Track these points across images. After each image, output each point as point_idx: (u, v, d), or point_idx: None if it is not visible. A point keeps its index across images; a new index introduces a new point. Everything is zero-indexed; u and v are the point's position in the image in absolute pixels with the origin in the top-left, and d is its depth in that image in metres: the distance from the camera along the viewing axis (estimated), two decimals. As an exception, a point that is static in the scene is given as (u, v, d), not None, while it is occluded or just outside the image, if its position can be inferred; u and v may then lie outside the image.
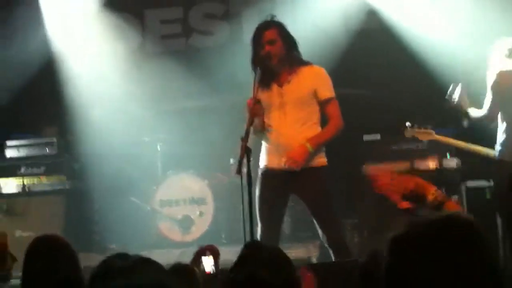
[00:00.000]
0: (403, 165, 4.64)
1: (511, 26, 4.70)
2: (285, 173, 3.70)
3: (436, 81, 5.09)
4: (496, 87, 3.88)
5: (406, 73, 5.55)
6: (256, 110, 3.61)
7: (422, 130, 4.24)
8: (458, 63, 4.86)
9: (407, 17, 5.53)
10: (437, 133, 4.29)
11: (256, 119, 3.65)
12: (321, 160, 3.77)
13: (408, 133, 4.32)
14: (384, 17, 5.68)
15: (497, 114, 3.92)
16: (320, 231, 3.73)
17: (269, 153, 3.80)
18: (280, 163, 3.72)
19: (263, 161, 3.84)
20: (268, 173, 3.77)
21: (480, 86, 4.10)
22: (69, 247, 2.45)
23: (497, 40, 4.03)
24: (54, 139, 5.78)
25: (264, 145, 3.86)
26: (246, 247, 1.92)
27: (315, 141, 3.70)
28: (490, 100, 3.92)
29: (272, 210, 3.75)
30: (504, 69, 3.90)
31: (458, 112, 4.21)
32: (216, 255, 2.61)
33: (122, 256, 1.23)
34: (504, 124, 3.91)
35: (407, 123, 4.32)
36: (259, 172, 3.83)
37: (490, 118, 3.94)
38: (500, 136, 3.91)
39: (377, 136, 4.90)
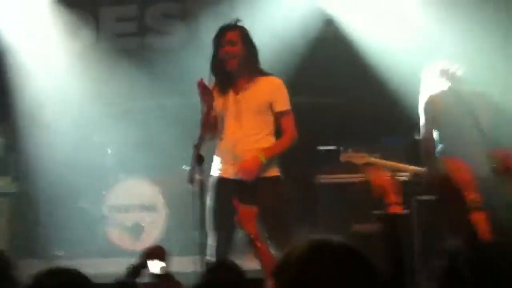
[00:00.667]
0: (357, 177, 4.65)
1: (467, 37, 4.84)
2: (238, 182, 3.67)
3: (391, 90, 5.15)
4: (427, 109, 3.98)
5: (362, 81, 5.59)
6: (206, 95, 3.57)
7: (356, 154, 4.31)
8: (413, 71, 4.93)
9: (363, 25, 5.58)
10: (377, 151, 4.36)
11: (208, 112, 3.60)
12: (274, 170, 3.75)
13: (343, 158, 4.39)
14: (341, 26, 5.72)
15: (431, 135, 4.02)
16: (271, 241, 3.70)
17: (221, 161, 3.76)
18: (232, 172, 3.68)
19: (215, 170, 3.79)
20: (220, 182, 3.73)
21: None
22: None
23: (429, 64, 4.12)
24: (0, 139, 5.58)
25: (216, 153, 3.80)
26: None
27: (268, 152, 3.68)
28: (423, 123, 4.03)
29: (225, 219, 3.69)
30: (434, 92, 4.01)
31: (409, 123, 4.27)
32: (163, 256, 2.56)
33: (53, 274, 1.16)
34: (440, 145, 4.01)
35: (341, 148, 4.39)
36: (211, 181, 3.77)
37: (426, 140, 4.04)
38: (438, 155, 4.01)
39: (333, 147, 4.91)
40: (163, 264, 2.54)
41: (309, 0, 5.79)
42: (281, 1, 5.84)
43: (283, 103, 3.75)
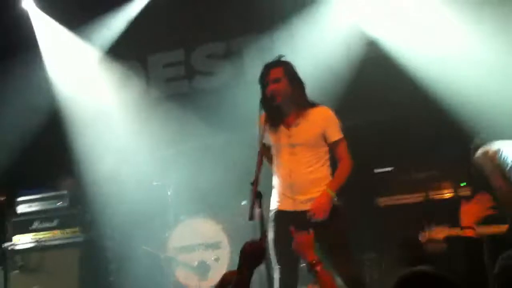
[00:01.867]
0: (418, 196, 4.57)
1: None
2: (297, 214, 3.66)
3: (443, 108, 5.07)
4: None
5: (410, 100, 5.51)
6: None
7: (435, 229, 4.19)
8: (463, 89, 4.85)
9: (408, 41, 5.54)
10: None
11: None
12: (334, 199, 3.73)
13: (423, 238, 4.24)
14: (385, 44, 5.69)
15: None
16: (335, 271, 3.67)
17: (280, 194, 3.77)
18: (291, 205, 3.68)
19: (274, 204, 3.81)
20: (280, 215, 3.74)
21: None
22: None
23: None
24: (65, 192, 5.78)
25: (274, 186, 3.82)
26: None
27: (334, 184, 3.69)
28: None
29: (286, 251, 3.69)
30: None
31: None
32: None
33: None
34: None
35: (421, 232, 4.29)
36: (270, 215, 3.79)
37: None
38: None
39: (389, 168, 4.85)
40: None
41: (350, 23, 5.79)
42: (321, 28, 5.87)
43: (335, 132, 3.77)
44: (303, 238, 2.61)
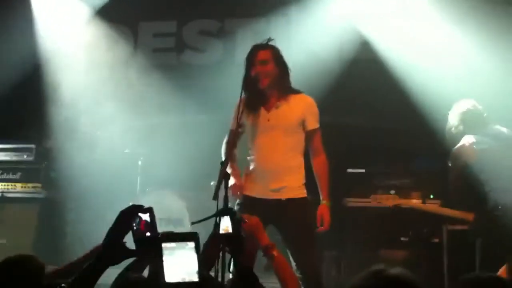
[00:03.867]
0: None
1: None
2: (265, 203, 3.60)
3: (425, 113, 5.05)
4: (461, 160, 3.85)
5: (395, 103, 5.50)
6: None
7: (385, 195, 4.24)
8: (448, 95, 4.83)
9: (400, 48, 5.51)
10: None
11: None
12: (303, 191, 3.68)
13: (373, 200, 4.33)
14: (378, 48, 5.66)
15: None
16: (294, 263, 3.62)
17: (250, 180, 3.70)
18: (261, 191, 3.62)
19: (244, 188, 3.73)
20: (247, 202, 3.66)
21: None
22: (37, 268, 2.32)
23: (458, 101, 4.03)
24: (33, 145, 5.66)
25: (246, 170, 3.75)
26: None
27: (326, 194, 3.66)
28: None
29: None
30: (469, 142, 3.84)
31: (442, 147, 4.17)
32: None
33: None
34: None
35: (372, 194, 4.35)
36: (237, 200, 3.72)
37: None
38: None
39: (362, 170, 4.83)
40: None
41: (345, 21, 5.75)
42: (317, 21, 5.82)
43: (314, 121, 3.72)
44: (256, 221, 2.52)
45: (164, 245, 1.97)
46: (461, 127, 3.88)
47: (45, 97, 6.00)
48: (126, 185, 5.75)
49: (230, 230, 2.45)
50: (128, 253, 2.03)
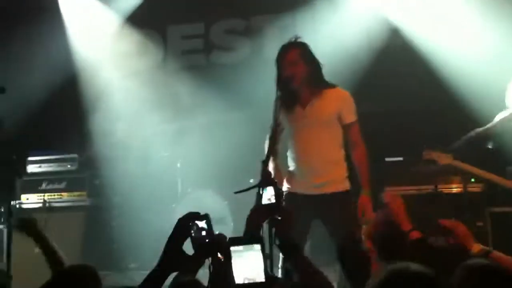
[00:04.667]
0: (427, 188, 4.54)
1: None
2: (309, 198, 3.63)
3: (461, 102, 5.01)
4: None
5: (428, 91, 5.46)
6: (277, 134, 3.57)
7: (441, 153, 4.17)
8: (481, 82, 4.78)
9: (430, 34, 5.47)
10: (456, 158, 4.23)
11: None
12: (346, 184, 3.70)
13: (426, 155, 4.26)
14: (407, 35, 5.62)
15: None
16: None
17: (292, 176, 3.74)
18: (303, 187, 3.65)
19: (285, 185, 3.77)
20: (291, 198, 3.69)
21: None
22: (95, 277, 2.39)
23: None
24: (76, 155, 5.81)
25: (288, 168, 3.79)
26: None
27: (367, 183, 3.65)
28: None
29: (296, 235, 3.68)
30: None
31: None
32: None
33: None
34: None
35: (426, 146, 4.27)
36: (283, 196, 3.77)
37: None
38: None
39: (400, 158, 4.82)
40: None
41: (373, 9, 5.72)
42: (344, 11, 5.80)
43: (351, 114, 3.71)
44: (399, 202, 2.49)
45: (232, 248, 2.03)
46: None
47: (83, 106, 6.14)
48: (167, 188, 5.85)
49: (273, 201, 2.43)
50: (188, 259, 2.09)
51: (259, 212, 2.42)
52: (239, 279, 2.01)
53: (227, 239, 2.10)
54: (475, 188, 4.33)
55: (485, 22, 5.20)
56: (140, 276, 4.94)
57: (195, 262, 2.14)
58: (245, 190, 2.88)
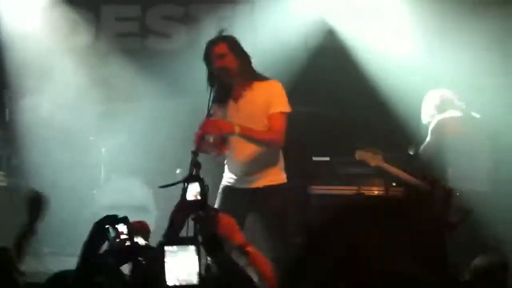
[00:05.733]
0: (350, 189, 4.64)
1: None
2: (243, 191, 3.65)
3: (389, 103, 5.15)
4: (437, 131, 4.10)
5: (360, 93, 5.57)
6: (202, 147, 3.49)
7: (372, 154, 4.25)
8: (412, 83, 4.94)
9: (364, 37, 5.58)
10: (385, 159, 4.32)
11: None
12: (281, 177, 3.71)
13: (358, 155, 4.33)
14: (342, 37, 5.71)
15: (432, 155, 4.09)
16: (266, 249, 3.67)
17: (228, 171, 3.77)
18: (239, 181, 3.67)
19: (223, 179, 3.79)
20: (226, 191, 3.73)
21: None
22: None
23: (429, 92, 4.27)
24: (-4, 133, 5.55)
25: (226, 162, 3.80)
26: None
27: (246, 130, 3.52)
28: (429, 142, 4.14)
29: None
30: (442, 116, 4.07)
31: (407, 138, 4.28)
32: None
33: None
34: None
35: (357, 147, 4.35)
36: (220, 189, 3.77)
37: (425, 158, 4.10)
38: None
39: (326, 158, 4.89)
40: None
41: (312, 9, 5.78)
42: (283, 9, 5.83)
43: (279, 104, 3.65)
44: (227, 221, 2.36)
45: (166, 248, 1.97)
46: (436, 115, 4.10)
47: (6, 83, 5.86)
48: (89, 173, 5.68)
49: (199, 197, 2.42)
50: (106, 265, 2.01)
51: (183, 208, 2.39)
52: (171, 280, 1.95)
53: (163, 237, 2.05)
54: (396, 191, 4.46)
55: (415, 31, 5.38)
56: (55, 262, 4.82)
57: (114, 268, 2.06)
58: (171, 185, 2.83)
